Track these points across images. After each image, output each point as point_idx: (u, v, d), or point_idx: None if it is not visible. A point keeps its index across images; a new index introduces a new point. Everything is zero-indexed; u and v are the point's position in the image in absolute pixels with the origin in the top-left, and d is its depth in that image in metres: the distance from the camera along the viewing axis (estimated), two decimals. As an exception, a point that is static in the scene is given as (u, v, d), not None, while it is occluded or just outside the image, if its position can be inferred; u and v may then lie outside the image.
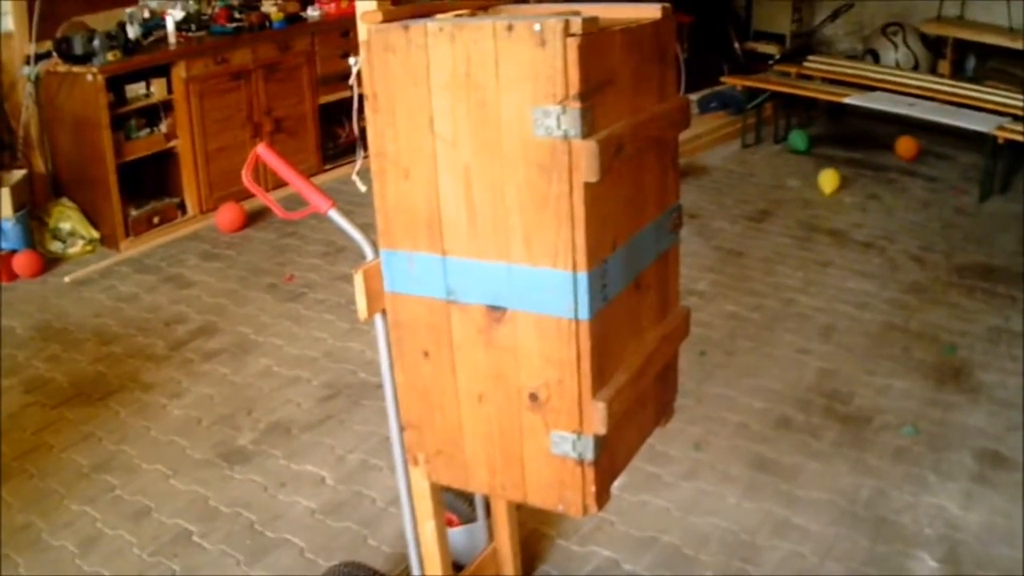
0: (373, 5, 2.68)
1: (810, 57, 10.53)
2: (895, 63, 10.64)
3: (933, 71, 10.60)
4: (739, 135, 10.06)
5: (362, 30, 2.67)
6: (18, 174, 7.56)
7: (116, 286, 7.16)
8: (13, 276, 7.29)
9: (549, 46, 2.36)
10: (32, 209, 7.61)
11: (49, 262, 7.52)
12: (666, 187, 2.95)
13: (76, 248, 7.70)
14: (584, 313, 2.51)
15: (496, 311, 2.63)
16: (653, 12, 2.81)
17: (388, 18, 2.63)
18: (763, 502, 4.47)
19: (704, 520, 4.37)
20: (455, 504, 3.87)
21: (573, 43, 2.34)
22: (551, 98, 2.39)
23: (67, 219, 7.72)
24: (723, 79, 10.45)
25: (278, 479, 4.80)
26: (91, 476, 4.90)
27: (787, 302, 6.44)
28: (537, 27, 2.36)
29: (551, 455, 2.68)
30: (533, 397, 2.65)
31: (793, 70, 10.26)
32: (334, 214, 3.19)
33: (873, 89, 9.37)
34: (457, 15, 2.94)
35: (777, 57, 11.12)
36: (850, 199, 8.41)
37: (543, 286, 2.53)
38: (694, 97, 10.38)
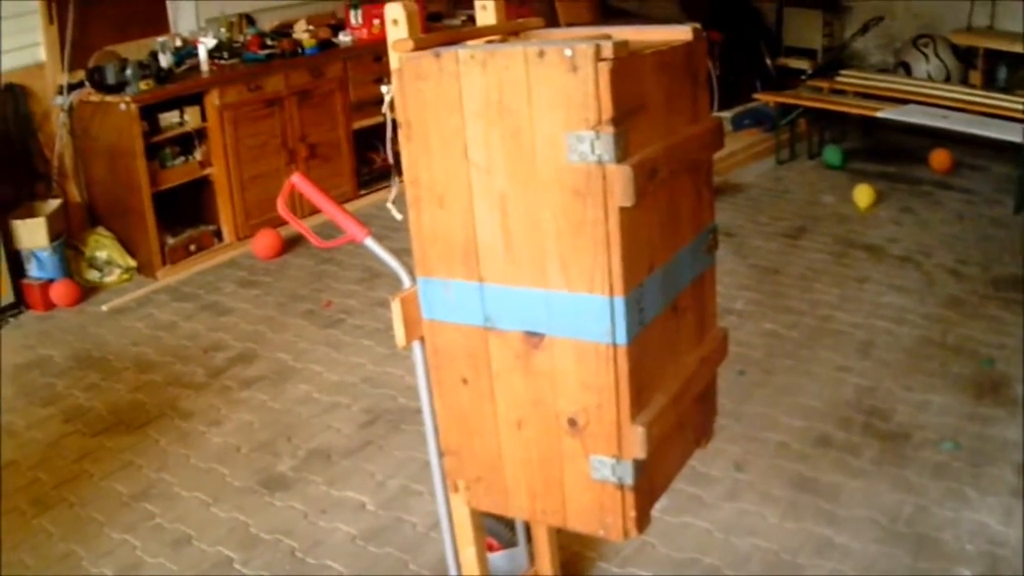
0: (404, 33, 2.69)
1: (842, 71, 10.49)
2: (927, 75, 10.60)
3: (965, 82, 10.54)
4: (773, 152, 10.03)
5: (394, 58, 2.68)
6: (53, 203, 7.61)
7: (154, 314, 7.20)
8: (50, 305, 7.33)
9: (581, 71, 2.36)
10: (68, 238, 7.65)
11: (86, 291, 7.56)
12: (701, 209, 2.95)
13: (113, 277, 7.74)
14: (622, 338, 2.50)
15: (534, 337, 2.63)
16: (684, 34, 2.81)
17: (419, 46, 2.64)
18: (804, 522, 4.45)
19: (745, 541, 4.35)
20: (495, 529, 3.86)
21: (605, 67, 2.34)
22: (584, 123, 2.39)
23: (103, 248, 7.76)
24: (756, 96, 10.43)
25: (318, 505, 4.81)
26: (131, 504, 4.91)
27: (825, 319, 6.41)
28: (568, 52, 2.36)
29: (591, 480, 2.68)
30: (572, 422, 2.65)
31: (825, 85, 10.22)
32: (370, 242, 3.20)
33: (906, 102, 9.32)
34: (488, 41, 2.95)
35: (809, 72, 11.09)
36: (885, 213, 8.37)
37: (580, 311, 2.52)
38: (727, 114, 10.37)
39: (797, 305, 6.63)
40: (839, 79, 10.24)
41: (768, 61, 11.63)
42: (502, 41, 3.02)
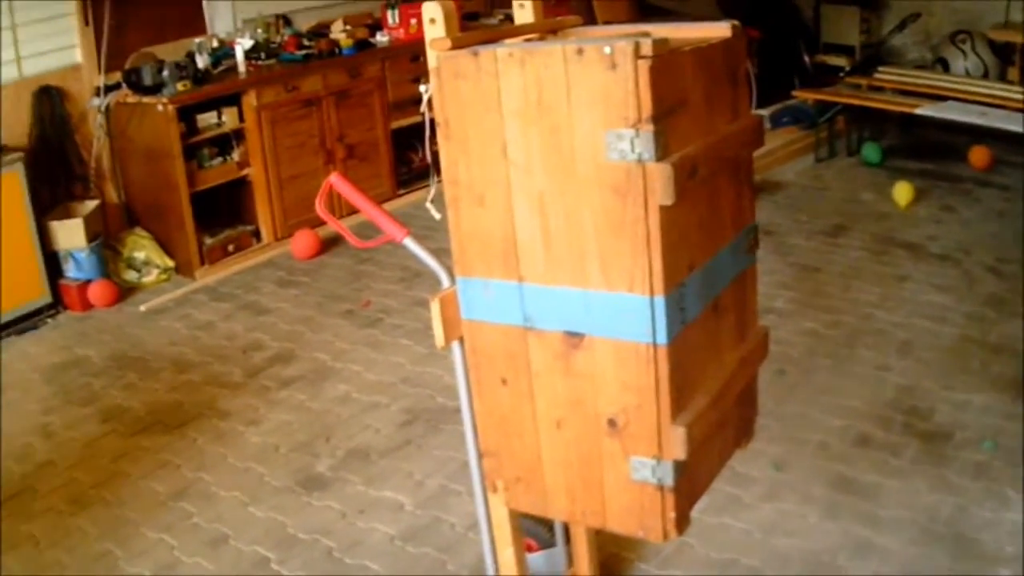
0: (442, 32, 2.68)
1: (880, 68, 10.39)
2: (964, 71, 10.52)
3: (1002, 78, 10.45)
4: (812, 149, 9.96)
5: (432, 57, 2.67)
6: (91, 204, 7.64)
7: (192, 314, 7.22)
8: (88, 306, 7.37)
9: (620, 69, 2.34)
10: (106, 239, 7.68)
11: (124, 291, 7.60)
12: (741, 207, 2.93)
13: (151, 277, 7.77)
14: (662, 337, 2.48)
15: (574, 337, 2.62)
16: (723, 31, 2.79)
17: (457, 45, 2.63)
18: (844, 522, 4.42)
19: (785, 542, 4.32)
20: (534, 529, 3.85)
21: (644, 65, 2.32)
22: (624, 121, 2.37)
23: (141, 248, 7.79)
24: (794, 93, 10.37)
25: (357, 505, 4.80)
26: (168, 504, 4.93)
27: (865, 318, 6.36)
28: (607, 50, 2.34)
29: (631, 481, 2.66)
30: (612, 423, 2.63)
31: (864, 82, 10.15)
32: (409, 242, 3.19)
33: (944, 98, 9.24)
34: (526, 40, 2.94)
35: (847, 69, 11.03)
36: (925, 211, 8.31)
37: (620, 311, 2.51)
38: (765, 112, 10.30)
39: (837, 304, 6.59)
40: (877, 76, 10.16)
41: (806, 58, 11.56)
42: (540, 39, 3.00)
